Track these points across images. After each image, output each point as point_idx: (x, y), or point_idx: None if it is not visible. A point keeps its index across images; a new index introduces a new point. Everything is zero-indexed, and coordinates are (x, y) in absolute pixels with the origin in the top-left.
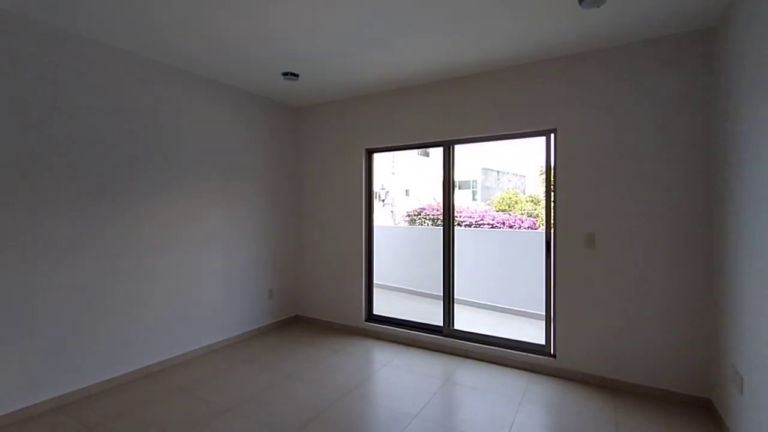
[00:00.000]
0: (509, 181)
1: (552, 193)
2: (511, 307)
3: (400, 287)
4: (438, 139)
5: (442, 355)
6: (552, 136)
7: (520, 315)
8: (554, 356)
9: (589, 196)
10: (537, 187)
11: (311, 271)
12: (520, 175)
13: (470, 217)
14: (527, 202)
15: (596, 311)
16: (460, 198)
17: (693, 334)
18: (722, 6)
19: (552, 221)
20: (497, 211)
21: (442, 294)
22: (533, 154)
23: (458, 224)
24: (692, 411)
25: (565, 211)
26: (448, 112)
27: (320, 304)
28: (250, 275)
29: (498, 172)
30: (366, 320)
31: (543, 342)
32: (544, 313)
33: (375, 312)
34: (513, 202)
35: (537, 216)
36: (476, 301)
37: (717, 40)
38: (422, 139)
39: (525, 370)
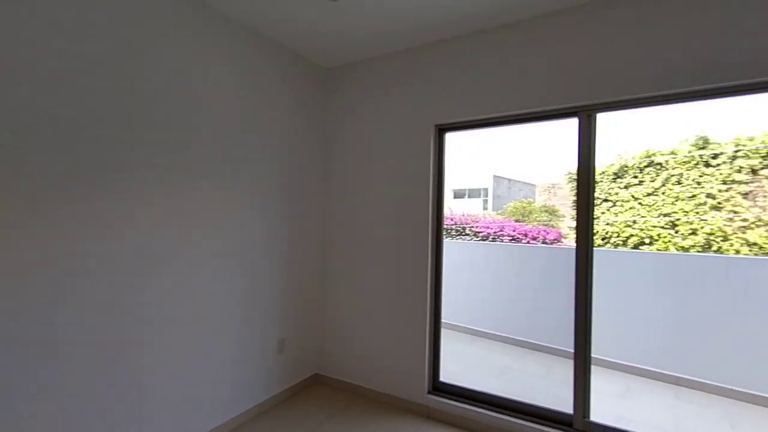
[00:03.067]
0: (520, 189)
1: None
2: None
3: (462, 326)
4: (567, 105)
5: None
6: None
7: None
8: None
9: None
10: (545, 197)
11: (341, 309)
12: (530, 184)
13: (488, 227)
14: (542, 212)
15: None
16: (471, 207)
17: None
18: None
19: None
20: (516, 222)
21: (573, 354)
22: (546, 161)
23: (474, 235)
24: None
25: None
26: (587, 59)
27: (354, 360)
28: (248, 317)
29: (509, 180)
30: (431, 392)
31: None
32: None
33: (443, 378)
34: (527, 212)
35: (552, 226)
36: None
37: None
38: (535, 105)
39: None
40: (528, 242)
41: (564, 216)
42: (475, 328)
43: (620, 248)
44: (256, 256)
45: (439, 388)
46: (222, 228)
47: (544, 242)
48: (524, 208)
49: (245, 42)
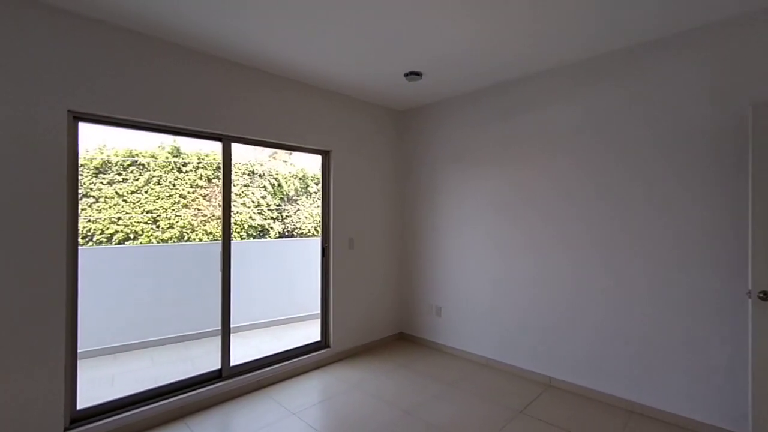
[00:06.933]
0: None
1: (327, 206)
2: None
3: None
4: (216, 131)
5: (221, 408)
6: (328, 156)
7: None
8: (329, 346)
9: (351, 210)
10: None
11: None
12: None
13: None
14: None
15: (352, 297)
16: None
17: (394, 295)
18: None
19: (326, 229)
20: None
21: (220, 328)
22: None
23: None
24: (397, 341)
25: (336, 220)
26: (228, 100)
27: None
28: None
29: None
30: (68, 428)
31: (319, 338)
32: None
33: (83, 405)
34: None
35: None
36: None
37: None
38: (191, 124)
39: (312, 370)
40: None
41: None
42: None
43: (104, 245)
44: None
45: (80, 418)
46: None
47: None
48: None
49: None
